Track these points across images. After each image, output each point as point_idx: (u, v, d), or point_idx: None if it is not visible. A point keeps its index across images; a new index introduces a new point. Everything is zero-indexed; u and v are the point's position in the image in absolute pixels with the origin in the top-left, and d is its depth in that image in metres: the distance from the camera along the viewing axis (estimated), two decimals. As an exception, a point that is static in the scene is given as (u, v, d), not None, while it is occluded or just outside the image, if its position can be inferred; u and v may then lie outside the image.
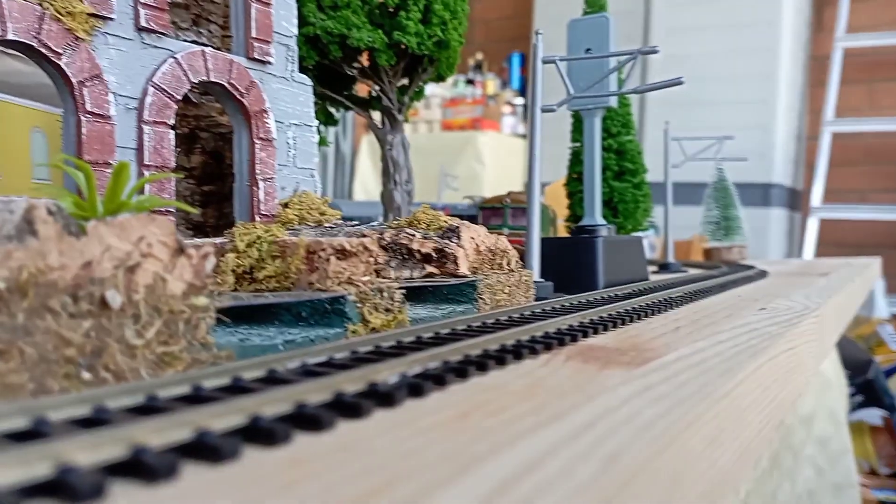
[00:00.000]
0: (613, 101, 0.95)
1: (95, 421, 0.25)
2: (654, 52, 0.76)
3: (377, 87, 0.98)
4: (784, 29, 2.86)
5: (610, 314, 0.61)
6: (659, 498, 0.27)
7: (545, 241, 0.84)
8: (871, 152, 3.15)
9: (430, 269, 0.63)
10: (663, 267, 1.39)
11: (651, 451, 0.27)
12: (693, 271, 1.34)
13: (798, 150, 3.20)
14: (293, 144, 0.71)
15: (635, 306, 0.67)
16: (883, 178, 3.14)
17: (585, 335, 0.52)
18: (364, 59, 0.96)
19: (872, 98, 3.16)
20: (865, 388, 2.26)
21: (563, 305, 0.64)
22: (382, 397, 0.32)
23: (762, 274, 1.24)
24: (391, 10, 0.92)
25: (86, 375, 0.30)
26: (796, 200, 3.24)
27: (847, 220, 3.09)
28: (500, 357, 0.41)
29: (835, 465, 1.48)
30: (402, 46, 0.92)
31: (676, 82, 0.74)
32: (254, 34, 0.66)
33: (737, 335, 0.55)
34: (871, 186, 3.15)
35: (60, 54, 0.52)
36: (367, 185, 3.59)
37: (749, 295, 0.90)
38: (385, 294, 0.50)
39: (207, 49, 0.62)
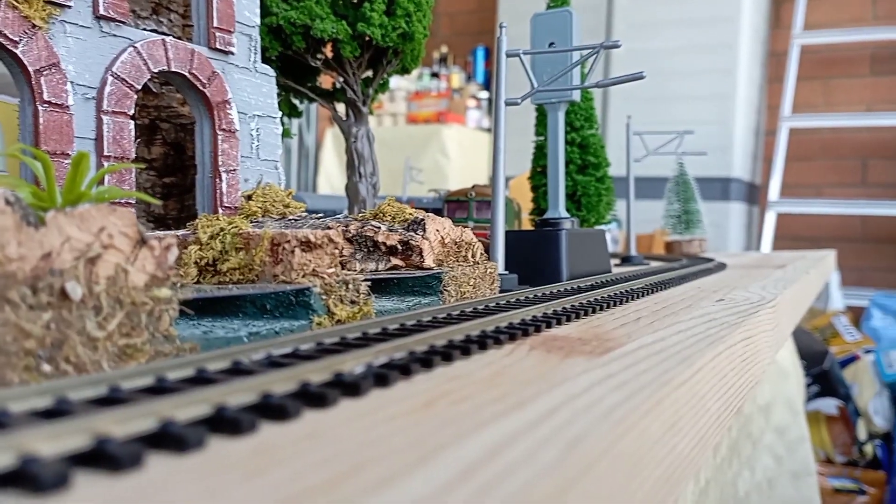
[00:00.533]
0: (576, 95, 0.96)
1: (57, 412, 0.25)
2: (617, 46, 0.76)
3: (341, 79, 0.98)
4: (743, 25, 2.91)
5: (573, 305, 0.62)
6: (619, 481, 0.28)
7: (510, 234, 0.84)
8: (827, 147, 3.23)
9: (395, 261, 0.64)
10: (626, 260, 1.41)
11: (612, 436, 0.28)
12: (654, 264, 1.36)
13: (756, 144, 3.27)
14: (256, 136, 0.71)
15: (598, 297, 0.68)
16: (837, 173, 3.21)
17: (549, 326, 0.53)
18: (328, 51, 0.96)
19: (827, 94, 3.23)
20: (821, 379, 2.32)
21: (527, 297, 0.65)
22: (348, 387, 0.32)
23: (721, 266, 1.27)
24: (355, 1, 0.91)
25: (46, 368, 0.30)
26: (754, 195, 3.30)
27: (803, 214, 3.17)
28: (465, 347, 0.42)
29: (793, 453, 1.51)
30: (367, 38, 0.91)
31: (638, 77, 0.75)
32: (215, 24, 0.66)
33: (696, 325, 0.56)
34: (826, 181, 3.22)
35: (17, 42, 0.50)
36: (331, 178, 3.57)
37: (708, 286, 0.91)
38: (350, 286, 0.51)
39: (168, 38, 0.61)
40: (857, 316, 2.85)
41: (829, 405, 2.30)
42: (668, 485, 0.34)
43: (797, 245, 3.14)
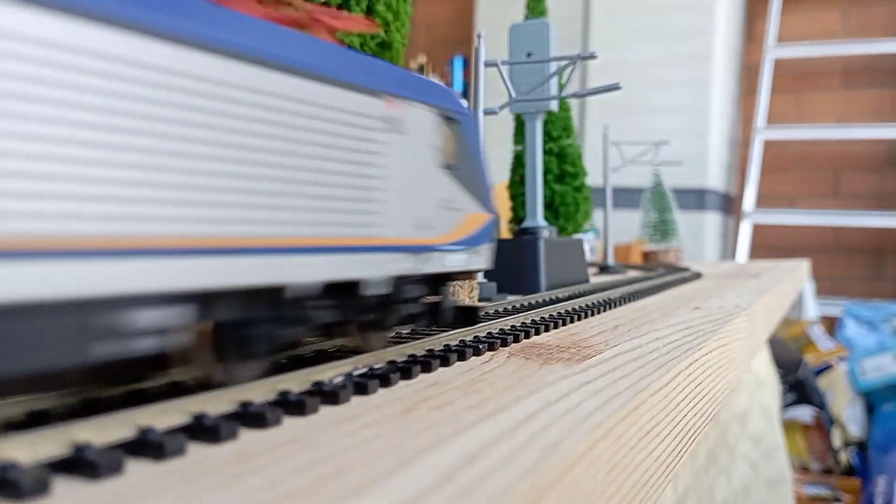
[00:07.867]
0: (554, 105, 0.97)
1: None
2: (593, 57, 0.77)
3: (320, 89, 0.98)
4: (717, 38, 2.95)
5: (551, 314, 0.62)
6: (596, 485, 0.28)
7: (488, 243, 0.85)
8: (799, 159, 3.28)
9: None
10: (603, 269, 1.42)
11: (589, 441, 0.28)
12: (632, 273, 1.37)
13: (731, 156, 3.31)
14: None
15: (576, 307, 0.68)
16: (810, 184, 3.26)
17: (528, 335, 0.53)
18: (307, 61, 0.95)
19: (799, 107, 3.28)
20: (797, 387, 2.35)
21: (505, 308, 0.65)
22: (328, 395, 0.32)
23: (697, 276, 1.28)
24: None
25: None
26: (730, 205, 3.34)
27: (778, 225, 3.21)
28: (445, 357, 0.42)
29: (769, 460, 1.53)
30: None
31: (614, 87, 0.76)
32: (195, 33, 0.65)
33: (672, 333, 0.57)
34: (800, 192, 3.27)
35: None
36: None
37: (685, 295, 0.92)
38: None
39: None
40: (831, 325, 2.89)
41: (805, 413, 2.32)
42: (644, 489, 0.34)
43: (772, 254, 3.17)
